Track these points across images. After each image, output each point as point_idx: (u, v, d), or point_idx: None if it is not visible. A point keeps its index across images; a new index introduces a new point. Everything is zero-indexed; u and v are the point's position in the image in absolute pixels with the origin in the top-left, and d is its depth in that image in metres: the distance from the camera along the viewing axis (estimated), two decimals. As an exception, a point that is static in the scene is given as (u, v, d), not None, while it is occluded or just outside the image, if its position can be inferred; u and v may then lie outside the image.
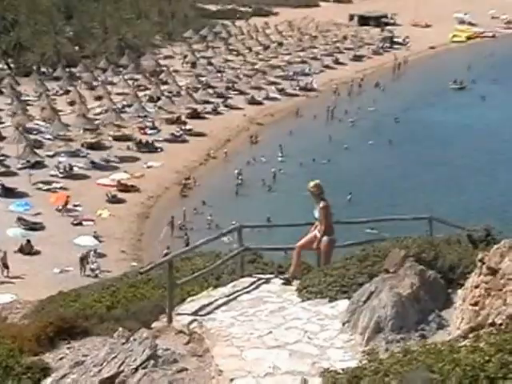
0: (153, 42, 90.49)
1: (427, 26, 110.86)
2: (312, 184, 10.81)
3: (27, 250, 37.89)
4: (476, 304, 7.67)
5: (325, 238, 10.82)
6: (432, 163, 53.82)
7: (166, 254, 29.79)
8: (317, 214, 10.80)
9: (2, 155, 50.66)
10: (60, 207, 42.99)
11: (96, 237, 39.44)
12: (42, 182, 47.12)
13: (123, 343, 8.85)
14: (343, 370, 5.85)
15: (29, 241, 38.18)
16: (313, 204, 10.86)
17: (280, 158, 55.44)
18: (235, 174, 50.64)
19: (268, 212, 39.65)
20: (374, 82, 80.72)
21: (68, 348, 10.24)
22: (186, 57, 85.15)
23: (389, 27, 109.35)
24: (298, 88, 76.72)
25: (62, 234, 39.68)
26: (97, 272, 35.46)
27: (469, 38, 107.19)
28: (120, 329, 9.41)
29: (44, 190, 46.14)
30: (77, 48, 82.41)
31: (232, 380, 7.53)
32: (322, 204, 10.86)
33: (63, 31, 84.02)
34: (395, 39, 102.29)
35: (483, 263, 7.77)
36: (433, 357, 5.43)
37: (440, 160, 54.64)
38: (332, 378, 5.63)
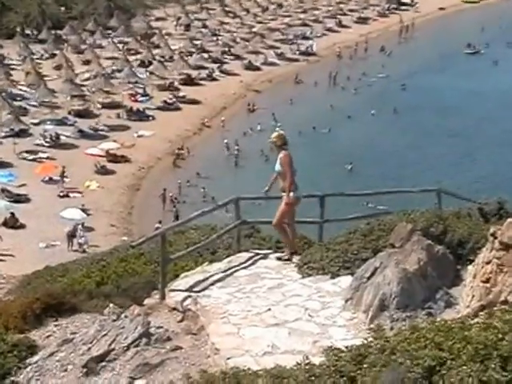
0: (144, 3, 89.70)
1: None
2: (275, 134, 10.71)
3: (11, 223, 37.86)
4: (487, 281, 7.68)
5: (292, 195, 10.63)
6: (441, 133, 53.73)
7: (157, 229, 29.88)
8: (278, 166, 10.58)
9: (-16, 123, 50.53)
10: (57, 177, 42.89)
11: (84, 210, 39.42)
12: (27, 152, 46.93)
13: (114, 320, 8.88)
14: (347, 347, 5.86)
15: (13, 214, 38.15)
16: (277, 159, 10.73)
17: (277, 128, 55.19)
18: (227, 144, 50.56)
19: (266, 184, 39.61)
20: (379, 46, 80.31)
21: (55, 325, 10.26)
22: (179, 19, 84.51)
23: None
24: (298, 52, 76.32)
25: (48, 207, 39.65)
26: (85, 247, 35.49)
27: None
28: (110, 305, 9.44)
29: (29, 160, 45.99)
30: (63, 9, 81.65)
31: (229, 359, 7.55)
32: (283, 153, 10.64)
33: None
34: (402, 0, 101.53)
35: (495, 238, 7.76)
36: (442, 334, 5.44)
37: (449, 130, 54.54)
38: (335, 357, 5.64)
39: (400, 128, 55.57)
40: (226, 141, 50.74)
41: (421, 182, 31.58)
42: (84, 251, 34.47)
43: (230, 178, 45.78)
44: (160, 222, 35.61)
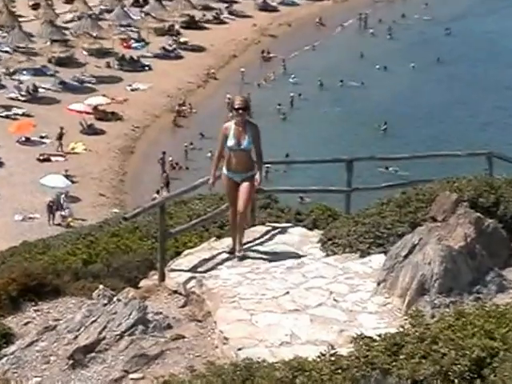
0: None
1: None
2: (240, 98, 10.31)
3: (-18, 191, 38.18)
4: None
5: (258, 176, 10.20)
6: (493, 87, 53.38)
7: (154, 199, 29.98)
8: (245, 141, 10.00)
9: (-51, 72, 50.67)
10: (37, 138, 43.17)
11: (68, 176, 39.61)
12: (0, 107, 47.09)
13: (105, 304, 8.96)
14: (380, 336, 5.90)
15: (-17, 180, 38.45)
16: (231, 131, 10.06)
17: (291, 80, 55.14)
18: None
19: (283, 147, 39.66)
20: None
21: (35, 310, 10.36)
22: None
23: None
24: (322, -10, 75.73)
25: (26, 173, 39.89)
26: (69, 220, 35.72)
27: None
28: (100, 287, 9.52)
29: (2, 117, 46.18)
30: None
31: (239, 350, 7.62)
32: (252, 122, 10.24)
33: None
34: None
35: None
36: (493, 321, 5.46)
37: (503, 83, 54.13)
38: (365, 346, 5.69)
39: (444, 81, 55.27)
40: (228, 95, 50.64)
41: (468, 144, 31.54)
42: (68, 225, 34.74)
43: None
44: (158, 192, 35.75)
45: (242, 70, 56.42)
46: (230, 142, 10.05)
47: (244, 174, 10.13)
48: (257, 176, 10.16)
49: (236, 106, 10.09)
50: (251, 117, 10.48)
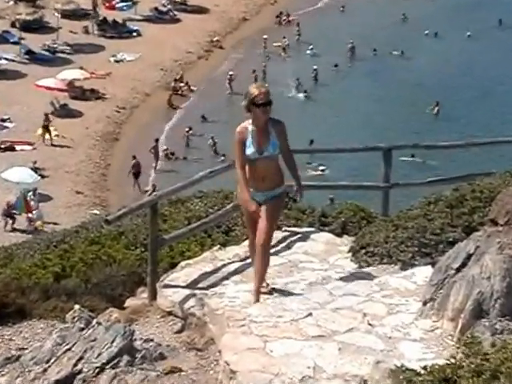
0: None
1: None
2: (262, 90, 9.52)
3: None
4: None
5: (296, 187, 9.67)
6: None
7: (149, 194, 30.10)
8: (270, 146, 9.43)
9: None
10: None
11: (36, 169, 39.76)
12: (-48, 83, 47.58)
13: (81, 329, 8.98)
14: (426, 368, 5.89)
15: None
16: (249, 135, 9.47)
17: (309, 51, 55.25)
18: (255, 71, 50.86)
19: (306, 132, 39.72)
20: None
21: (-5, 336, 10.43)
22: None
23: None
24: None
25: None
26: (37, 224, 35.87)
27: None
28: (76, 307, 9.54)
29: (-46, 95, 46.54)
30: None
31: (250, 386, 7.64)
32: (276, 119, 9.64)
33: None
34: None
35: None
36: None
37: None
38: (408, 382, 5.68)
39: (507, 49, 55.17)
40: (230, 73, 50.80)
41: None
42: (36, 229, 34.88)
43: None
44: (154, 188, 35.85)
45: (265, 36, 56.50)
46: (250, 150, 9.43)
47: (269, 193, 9.47)
48: (296, 186, 9.58)
49: (259, 101, 9.40)
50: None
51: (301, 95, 50.05)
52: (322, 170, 38.64)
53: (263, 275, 9.55)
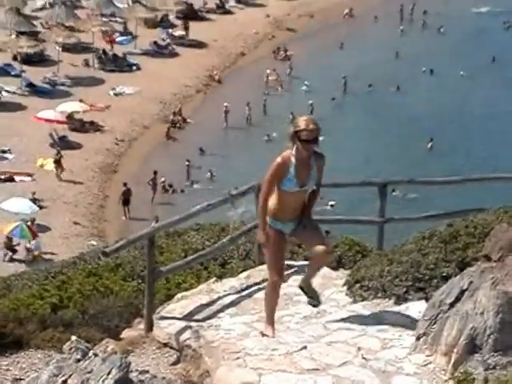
0: None
1: None
2: (311, 125, 8.92)
3: None
4: None
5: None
6: None
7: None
8: (311, 180, 9.07)
9: None
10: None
11: (35, 200, 39.75)
12: (-47, 114, 47.65)
13: (78, 360, 8.92)
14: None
15: None
16: (291, 168, 8.97)
17: (304, 88, 55.37)
18: (248, 105, 51.03)
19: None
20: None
21: (-8, 367, 10.39)
22: None
23: None
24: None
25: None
26: (35, 254, 35.83)
27: None
28: (73, 338, 9.49)
29: (-45, 128, 46.60)
30: None
31: (245, 421, 7.65)
32: (319, 154, 9.17)
33: None
34: None
35: None
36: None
37: None
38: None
39: (501, 85, 55.37)
40: (226, 104, 50.91)
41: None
42: (34, 259, 34.83)
43: (247, 156, 45.96)
44: (157, 220, 35.86)
45: (268, 71, 56.62)
46: (291, 183, 8.97)
47: (296, 222, 9.17)
48: (304, 224, 9.21)
49: (303, 137, 8.88)
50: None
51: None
52: (332, 206, 38.41)
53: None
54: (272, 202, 9.07)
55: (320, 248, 9.05)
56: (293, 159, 8.98)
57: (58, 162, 42.78)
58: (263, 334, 9.28)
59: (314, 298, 9.54)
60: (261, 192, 9.22)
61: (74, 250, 31.21)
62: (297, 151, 8.95)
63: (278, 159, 9.03)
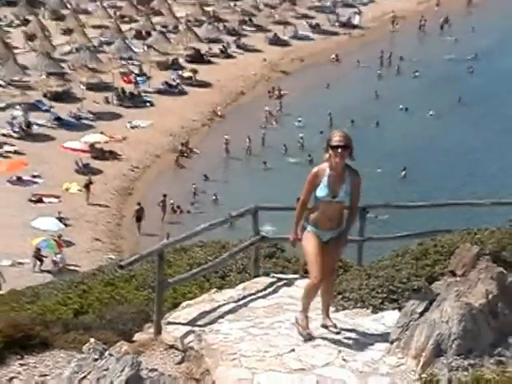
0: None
1: None
2: (339, 134, 8.66)
3: (-31, 233, 38.24)
4: None
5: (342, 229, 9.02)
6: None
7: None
8: (343, 192, 8.75)
9: None
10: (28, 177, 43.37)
11: (61, 219, 39.70)
12: (-10, 144, 47.54)
13: (95, 359, 8.91)
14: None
15: (-29, 222, 38.56)
16: (325, 177, 8.70)
17: (297, 123, 55.27)
18: (249, 138, 50.99)
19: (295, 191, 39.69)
20: (441, 16, 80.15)
21: (21, 365, 10.34)
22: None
23: None
24: (337, 24, 76.46)
25: (16, 214, 39.99)
26: (60, 266, 35.75)
27: None
28: (91, 340, 9.48)
29: (-8, 155, 46.56)
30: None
31: (240, 413, 7.61)
32: (353, 170, 8.84)
33: None
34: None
35: None
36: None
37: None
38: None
39: (466, 123, 55.46)
40: (226, 137, 50.88)
41: (494, 192, 31.53)
42: (60, 271, 34.76)
43: (247, 182, 45.92)
44: (168, 237, 35.81)
45: (267, 109, 56.55)
46: (322, 192, 8.69)
47: (333, 232, 8.88)
48: (343, 240, 8.97)
49: (334, 143, 8.58)
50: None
51: (291, 159, 50.10)
52: None
53: (329, 303, 9.33)
54: (312, 210, 8.86)
55: (326, 267, 8.90)
56: (327, 170, 8.71)
57: (87, 187, 42.80)
58: (298, 324, 9.18)
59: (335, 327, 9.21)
60: (300, 202, 8.95)
61: (94, 262, 31.13)
62: (330, 162, 8.68)
63: (314, 169, 8.81)
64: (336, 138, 8.58)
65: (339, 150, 8.57)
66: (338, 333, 9.05)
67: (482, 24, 79.03)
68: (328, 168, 8.71)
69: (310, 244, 8.92)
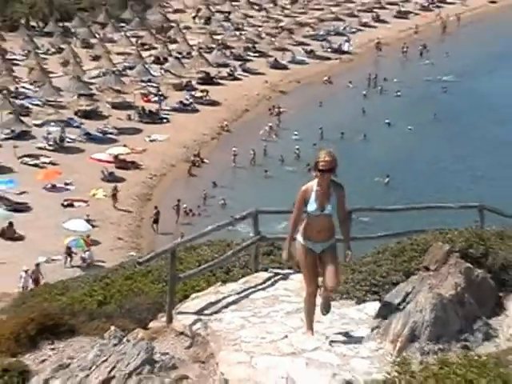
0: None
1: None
2: (326, 157, 8.25)
3: (9, 234, 38.18)
4: (531, 310, 7.62)
5: (348, 250, 8.78)
6: (489, 143, 53.39)
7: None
8: (329, 206, 8.40)
9: (-17, 123, 51.05)
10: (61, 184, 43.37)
11: (89, 221, 39.69)
12: (29, 156, 47.38)
13: (115, 345, 8.91)
14: (366, 382, 5.83)
15: (11, 223, 38.46)
16: (312, 193, 8.39)
17: (294, 137, 55.20)
18: (253, 151, 50.92)
19: (289, 196, 39.62)
20: (420, 43, 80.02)
21: (51, 349, 10.32)
22: (198, 11, 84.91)
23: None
24: (329, 50, 76.35)
25: (50, 217, 39.96)
26: (88, 261, 35.73)
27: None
28: (112, 328, 9.46)
29: (31, 165, 46.44)
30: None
31: (238, 391, 7.57)
32: (339, 185, 8.51)
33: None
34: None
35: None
36: (475, 371, 5.39)
37: (500, 139, 54.14)
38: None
39: (440, 136, 55.33)
40: (234, 149, 50.79)
41: (464, 197, 31.44)
42: (88, 266, 34.74)
43: (252, 188, 45.87)
44: (182, 236, 35.83)
45: (270, 124, 56.19)
46: (311, 207, 8.39)
47: (325, 244, 8.54)
48: (347, 251, 8.64)
49: (320, 167, 8.25)
50: (335, 175, 8.45)
51: (288, 168, 50.05)
52: None
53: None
54: (303, 224, 8.54)
55: (327, 282, 8.63)
56: (315, 187, 8.39)
57: (114, 195, 42.77)
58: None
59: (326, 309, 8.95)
60: (292, 217, 8.64)
61: (117, 259, 31.07)
62: (317, 180, 8.41)
63: (303, 187, 8.50)
64: (322, 163, 8.26)
65: (325, 175, 8.30)
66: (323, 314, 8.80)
67: (455, 50, 78.85)
68: (315, 185, 8.43)
69: (302, 258, 8.65)
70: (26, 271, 32.79)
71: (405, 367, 5.96)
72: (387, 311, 8.67)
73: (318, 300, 8.91)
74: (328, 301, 8.89)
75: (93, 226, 39.52)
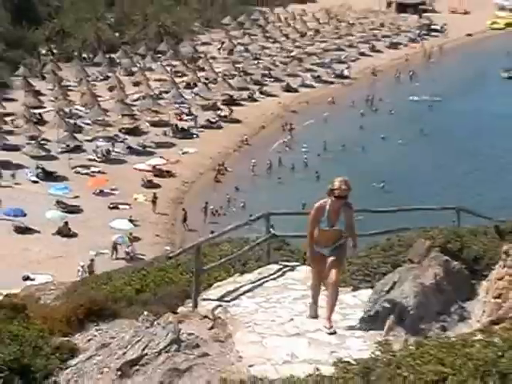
0: (191, 29, 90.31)
1: (466, 12, 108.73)
2: (343, 186, 7.95)
3: (65, 232, 38.45)
4: (499, 296, 7.55)
5: (352, 243, 8.67)
6: (464, 154, 53.22)
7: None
8: (339, 223, 8.22)
9: (43, 139, 51.29)
10: (108, 190, 43.38)
11: (131, 221, 39.83)
12: (81, 166, 47.70)
13: (147, 327, 8.90)
14: (356, 360, 5.79)
15: (66, 223, 38.71)
16: (325, 213, 8.15)
17: (304, 149, 54.94)
18: (270, 161, 50.85)
19: (299, 198, 39.49)
20: (409, 69, 79.70)
21: (97, 330, 10.34)
22: (223, 43, 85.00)
23: (427, 14, 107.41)
24: (333, 76, 76.21)
25: (99, 218, 40.17)
26: (131, 255, 35.84)
27: (508, 24, 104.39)
28: (145, 313, 9.46)
29: (82, 174, 46.73)
30: (117, 34, 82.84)
31: (251, 366, 7.52)
32: (349, 206, 8.30)
33: (104, 18, 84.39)
34: (433, 26, 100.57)
35: (508, 255, 7.64)
36: (445, 350, 5.36)
37: (474, 150, 53.82)
38: (344, 369, 5.60)
39: (426, 148, 55.06)
40: (253, 160, 50.71)
41: (443, 199, 31.20)
42: (131, 259, 34.87)
43: (267, 193, 45.83)
44: (212, 232, 35.82)
45: (285, 139, 56.00)
46: (323, 224, 8.25)
47: (331, 247, 8.45)
48: (353, 248, 8.57)
49: (335, 194, 7.97)
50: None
51: (298, 175, 49.96)
52: None
53: (334, 306, 8.47)
54: (316, 234, 8.40)
55: (329, 277, 8.51)
56: (327, 207, 8.19)
57: (154, 202, 42.81)
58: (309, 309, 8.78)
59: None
60: (307, 230, 8.45)
61: (155, 253, 31.19)
62: (330, 202, 8.19)
63: (317, 204, 8.22)
64: (337, 192, 8.00)
65: (340, 201, 8.08)
66: (330, 333, 8.21)
67: (438, 74, 78.38)
68: (328, 205, 8.22)
69: (310, 257, 8.73)
70: (82, 266, 32.92)
71: (387, 347, 5.92)
72: (378, 297, 8.61)
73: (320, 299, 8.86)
74: (333, 305, 8.55)
75: (135, 225, 39.70)
